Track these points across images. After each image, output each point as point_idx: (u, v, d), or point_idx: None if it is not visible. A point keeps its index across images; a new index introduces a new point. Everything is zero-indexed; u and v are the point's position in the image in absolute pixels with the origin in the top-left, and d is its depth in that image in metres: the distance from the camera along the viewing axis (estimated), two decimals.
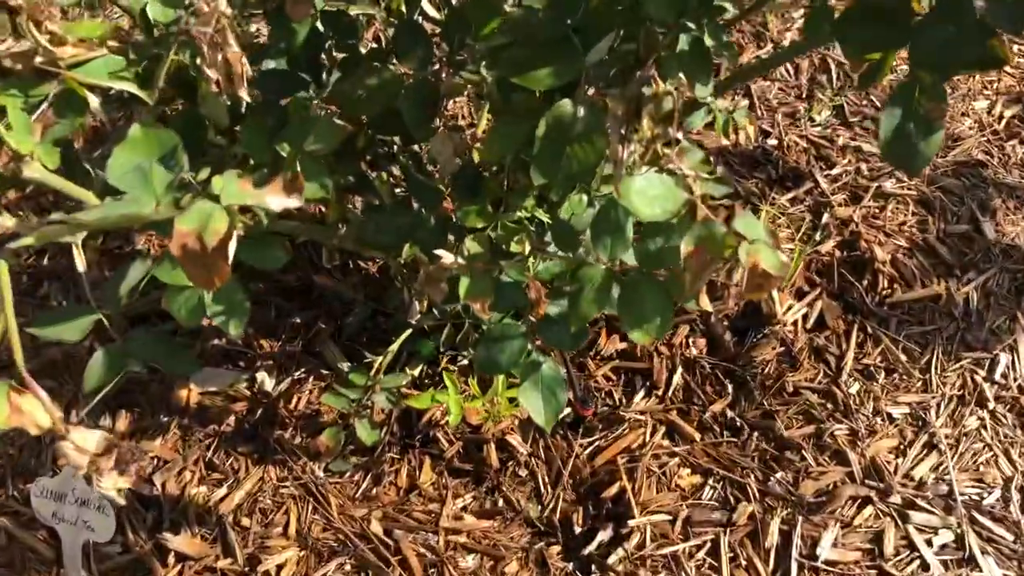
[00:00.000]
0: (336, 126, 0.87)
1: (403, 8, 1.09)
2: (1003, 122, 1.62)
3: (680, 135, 0.74)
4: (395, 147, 1.09)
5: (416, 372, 1.30)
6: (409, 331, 1.22)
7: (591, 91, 0.80)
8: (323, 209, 1.30)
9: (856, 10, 0.77)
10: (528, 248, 0.94)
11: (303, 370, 1.32)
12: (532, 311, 0.88)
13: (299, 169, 0.87)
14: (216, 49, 0.74)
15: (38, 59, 0.71)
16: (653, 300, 0.83)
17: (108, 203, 0.62)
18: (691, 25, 0.81)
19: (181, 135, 0.83)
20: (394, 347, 1.19)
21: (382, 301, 1.36)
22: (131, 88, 0.74)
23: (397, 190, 1.17)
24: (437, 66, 0.90)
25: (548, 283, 0.94)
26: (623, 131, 0.74)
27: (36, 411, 0.62)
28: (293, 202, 0.67)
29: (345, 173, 1.05)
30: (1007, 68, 1.71)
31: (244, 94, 0.77)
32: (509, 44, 0.83)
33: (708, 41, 0.81)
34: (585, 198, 0.98)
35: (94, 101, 0.72)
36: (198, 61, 0.77)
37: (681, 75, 0.82)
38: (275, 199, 0.66)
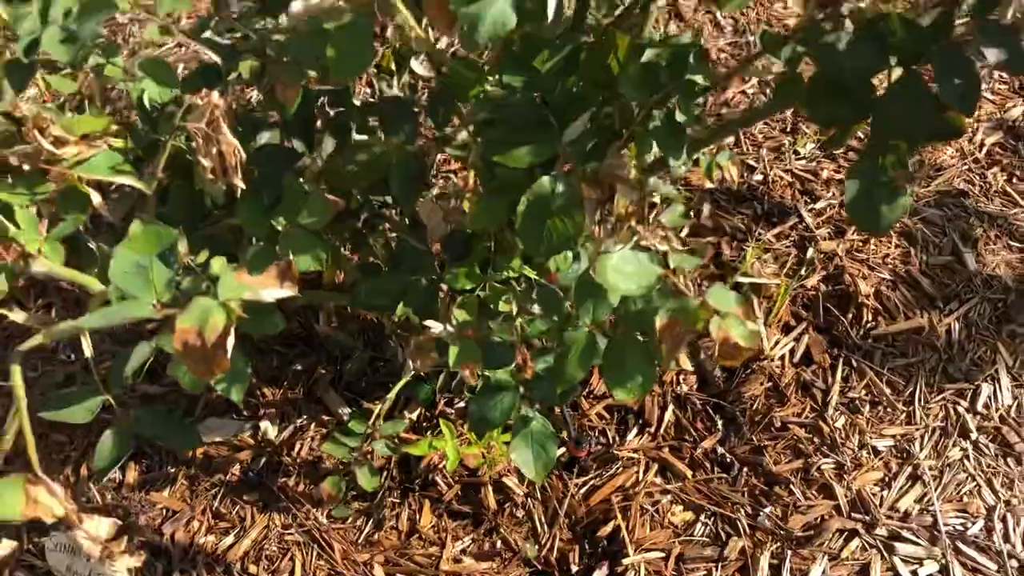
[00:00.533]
0: (328, 202, 0.91)
1: (392, 66, 1.14)
2: (984, 150, 1.66)
3: (655, 217, 0.78)
4: (387, 205, 1.13)
5: (414, 416, 1.34)
6: (406, 379, 1.26)
7: (568, 166, 0.84)
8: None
9: (820, 87, 0.80)
10: (515, 308, 0.98)
11: (304, 417, 1.36)
12: (520, 372, 0.93)
13: (292, 241, 0.91)
14: (210, 141, 0.78)
15: (43, 160, 0.75)
16: (635, 361, 0.87)
17: (111, 308, 0.66)
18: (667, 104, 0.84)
19: (179, 209, 0.88)
20: (392, 395, 1.23)
21: (380, 348, 1.40)
22: (132, 182, 0.78)
23: (392, 244, 1.21)
24: (423, 140, 0.95)
25: (537, 338, 0.98)
26: (598, 211, 0.79)
27: (51, 502, 0.66)
28: (287, 292, 0.71)
29: (339, 234, 1.09)
30: (987, 95, 1.75)
31: (238, 182, 0.81)
32: (491, 121, 0.87)
33: (680, 117, 0.85)
34: (571, 254, 1.03)
35: (96, 198, 0.76)
36: (195, 148, 0.81)
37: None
38: (270, 292, 0.70)
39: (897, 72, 0.76)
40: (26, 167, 0.76)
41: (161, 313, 0.67)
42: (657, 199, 1.16)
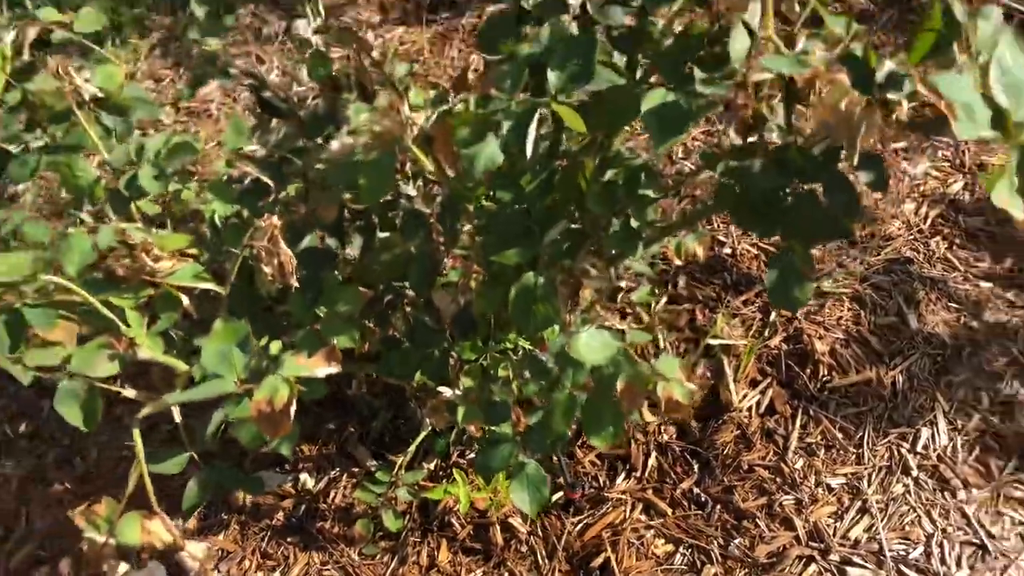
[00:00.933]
0: (359, 293, 1.14)
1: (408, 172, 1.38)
2: (928, 222, 1.89)
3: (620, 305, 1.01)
4: (406, 291, 1.36)
5: (431, 466, 1.56)
6: (424, 434, 1.48)
7: (547, 261, 1.07)
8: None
9: (742, 200, 1.04)
10: (511, 373, 1.21)
11: (337, 469, 1.58)
12: (516, 426, 1.15)
13: (332, 326, 1.14)
14: (272, 254, 1.02)
15: (145, 273, 0.99)
16: (608, 415, 1.09)
17: (205, 385, 0.89)
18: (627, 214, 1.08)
19: (242, 303, 1.12)
20: (412, 448, 1.46)
21: (401, 408, 1.62)
22: (211, 287, 1.02)
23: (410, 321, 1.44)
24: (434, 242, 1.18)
25: (530, 398, 1.20)
26: (569, 301, 1.01)
27: (161, 532, 0.88)
28: (333, 370, 0.95)
29: (367, 316, 1.32)
30: (932, 171, 1.98)
31: (293, 281, 1.05)
32: (487, 228, 1.11)
33: (635, 223, 1.08)
34: (558, 328, 1.25)
35: (184, 300, 1.00)
36: (258, 258, 1.05)
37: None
38: (321, 370, 0.93)
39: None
40: (131, 279, 1.00)
41: (241, 388, 0.90)
42: (634, 273, 1.40)
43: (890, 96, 0.88)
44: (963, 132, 0.75)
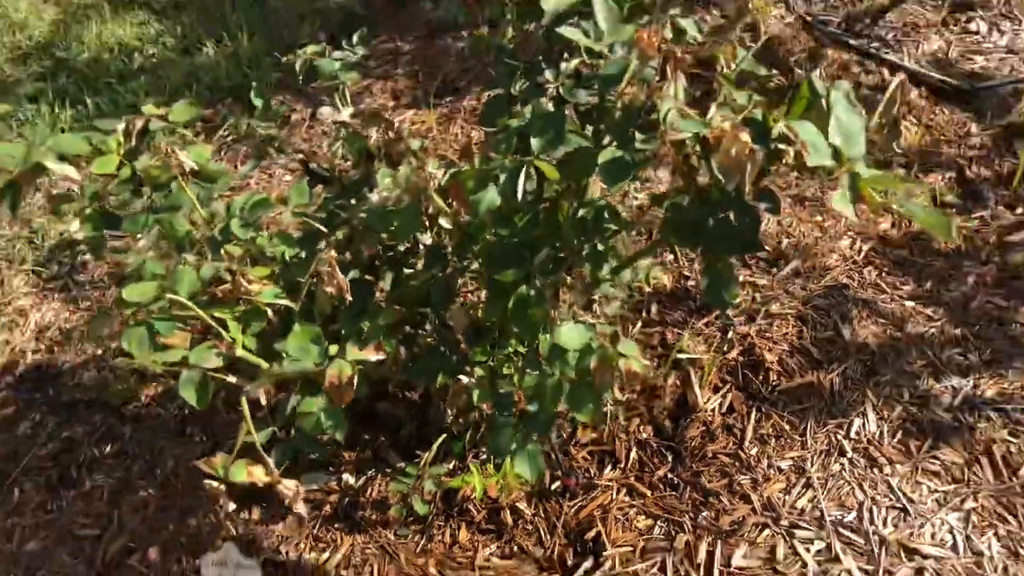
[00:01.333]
0: (395, 311, 1.50)
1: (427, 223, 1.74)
2: (862, 255, 2.25)
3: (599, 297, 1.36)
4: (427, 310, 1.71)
5: (451, 466, 1.89)
6: (443, 436, 1.82)
7: (538, 279, 1.43)
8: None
9: (678, 229, 1.39)
10: (513, 370, 1.55)
11: (373, 470, 1.90)
12: (518, 410, 1.49)
13: (375, 334, 1.49)
14: (331, 277, 1.38)
15: (240, 293, 1.34)
16: (587, 394, 1.43)
17: (291, 364, 1.24)
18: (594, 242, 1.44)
19: (306, 316, 1.47)
20: (434, 447, 1.79)
21: (424, 418, 1.96)
22: (286, 303, 1.37)
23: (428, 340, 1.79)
24: (450, 269, 1.54)
25: (527, 388, 1.54)
26: (554, 303, 1.36)
27: (260, 474, 1.22)
28: (380, 355, 1.29)
29: (399, 333, 1.67)
30: (865, 207, 2.34)
31: (348, 296, 1.40)
32: (490, 255, 1.47)
33: (600, 247, 1.44)
34: (549, 336, 1.60)
35: (269, 312, 1.35)
36: (320, 281, 1.40)
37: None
38: (372, 355, 1.28)
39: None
40: (229, 297, 1.35)
41: (317, 369, 1.25)
42: (609, 296, 1.76)
43: (780, 147, 1.25)
44: (812, 161, 1.11)
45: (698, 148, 1.31)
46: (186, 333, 1.34)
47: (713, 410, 1.94)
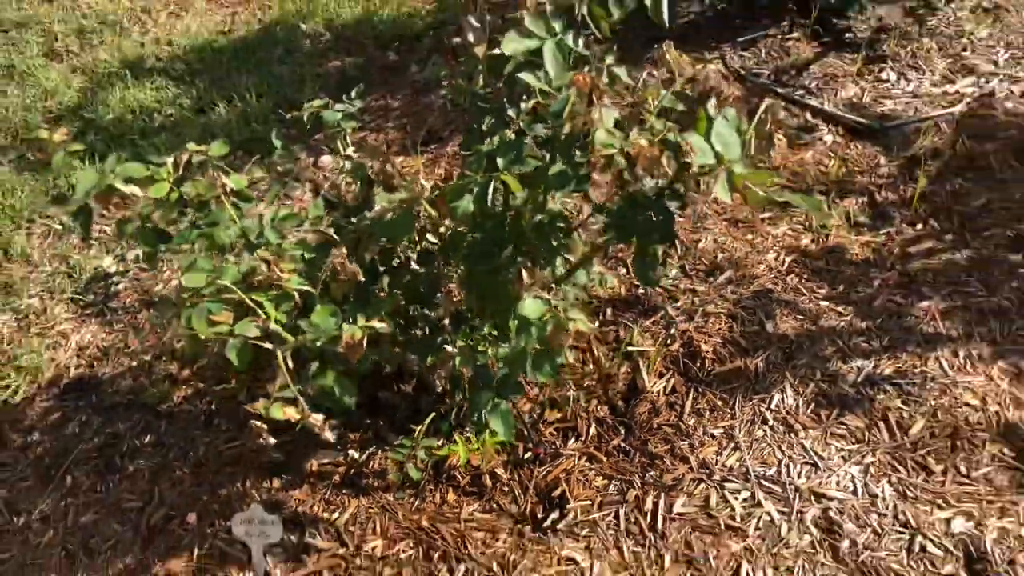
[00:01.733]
0: (393, 298, 1.88)
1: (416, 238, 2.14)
2: (785, 265, 2.65)
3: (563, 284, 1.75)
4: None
5: (440, 442, 2.25)
6: (433, 415, 2.18)
7: (505, 268, 1.82)
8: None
9: (616, 226, 1.79)
10: (488, 346, 1.93)
11: (374, 447, 2.26)
12: (491, 372, 1.86)
13: (377, 309, 1.87)
14: (344, 268, 1.76)
15: (273, 281, 1.73)
16: (546, 359, 1.81)
17: (315, 331, 1.62)
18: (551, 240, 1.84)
19: (322, 299, 1.85)
20: (426, 423, 2.15)
21: (417, 405, 2.32)
22: (308, 288, 1.75)
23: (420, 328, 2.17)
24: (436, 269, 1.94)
25: (502, 359, 1.92)
26: (518, 286, 1.76)
27: (293, 412, 1.59)
28: (384, 326, 1.68)
29: (397, 318, 2.05)
30: (789, 232, 2.76)
31: (360, 276, 1.79)
32: (469, 254, 1.86)
33: (555, 243, 1.84)
34: (516, 323, 1.98)
35: (296, 296, 1.73)
36: (336, 273, 1.79)
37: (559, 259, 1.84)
38: (377, 324, 1.66)
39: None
40: (260, 283, 1.74)
41: (336, 332, 1.62)
42: (570, 289, 2.12)
43: (687, 160, 1.65)
44: (699, 160, 1.52)
45: (623, 161, 1.72)
46: (230, 312, 1.71)
47: (658, 392, 2.32)
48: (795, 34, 3.50)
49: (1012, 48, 3.41)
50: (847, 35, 3.51)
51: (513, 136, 1.88)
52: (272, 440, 1.65)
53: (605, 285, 2.35)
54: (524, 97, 1.96)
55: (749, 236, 2.78)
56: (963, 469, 2.09)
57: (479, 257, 1.84)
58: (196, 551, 2.09)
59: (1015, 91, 3.20)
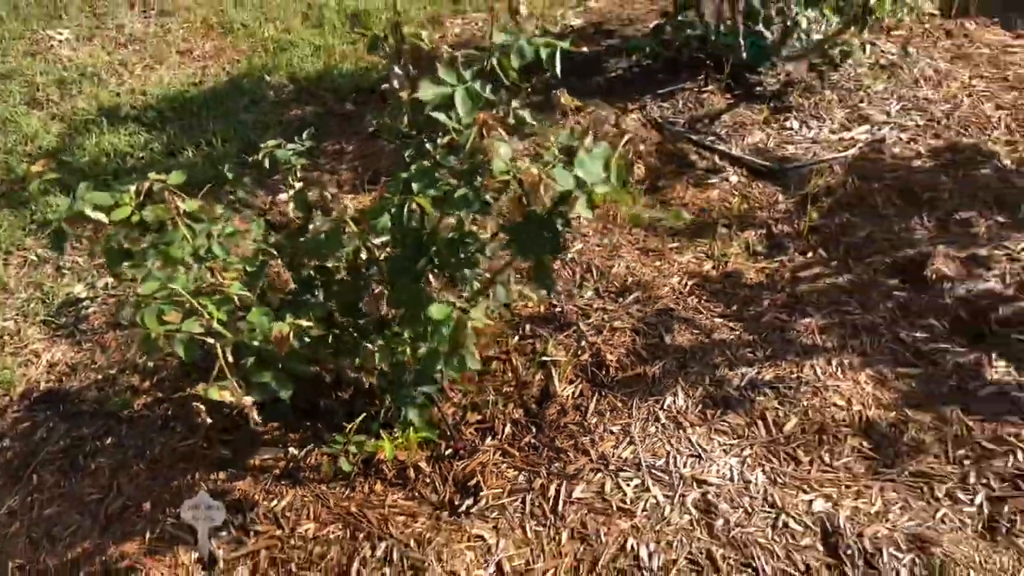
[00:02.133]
0: (324, 305, 2.17)
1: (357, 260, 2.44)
2: (687, 288, 2.97)
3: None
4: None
5: (372, 441, 2.52)
6: (364, 416, 2.46)
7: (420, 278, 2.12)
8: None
9: (514, 243, 2.10)
10: (408, 348, 2.23)
11: (312, 445, 2.53)
12: (410, 371, 2.15)
13: (305, 315, 2.16)
14: (278, 277, 2.06)
15: (217, 287, 2.02)
16: (454, 356, 2.11)
17: (252, 329, 1.91)
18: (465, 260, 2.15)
19: (261, 304, 2.15)
20: (356, 421, 2.43)
21: (352, 409, 2.59)
22: (247, 294, 2.05)
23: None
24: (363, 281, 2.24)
25: (418, 358, 2.21)
26: (429, 294, 2.06)
27: (228, 395, 1.87)
28: (310, 324, 1.97)
29: (329, 324, 2.34)
30: (692, 259, 3.09)
31: (291, 284, 2.08)
32: (392, 268, 2.16)
33: (464, 257, 2.14)
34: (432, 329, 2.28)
35: (236, 300, 2.03)
36: (272, 283, 2.09)
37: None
38: (305, 323, 1.96)
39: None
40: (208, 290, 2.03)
41: (268, 328, 1.92)
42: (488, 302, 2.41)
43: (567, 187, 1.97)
44: (560, 186, 1.84)
45: (518, 187, 2.04)
46: (178, 313, 2.00)
47: (567, 396, 2.62)
48: (710, 87, 3.89)
49: (903, 100, 3.81)
50: (757, 88, 3.90)
51: (430, 165, 2.20)
52: (208, 420, 1.93)
53: (524, 302, 2.66)
54: (440, 134, 2.29)
55: (657, 263, 3.11)
56: (827, 459, 2.39)
57: (399, 270, 2.15)
58: (148, 535, 2.34)
59: (903, 138, 3.58)
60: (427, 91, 2.13)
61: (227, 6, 5.32)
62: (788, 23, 3.69)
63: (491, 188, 2.02)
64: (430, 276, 2.13)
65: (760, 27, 3.88)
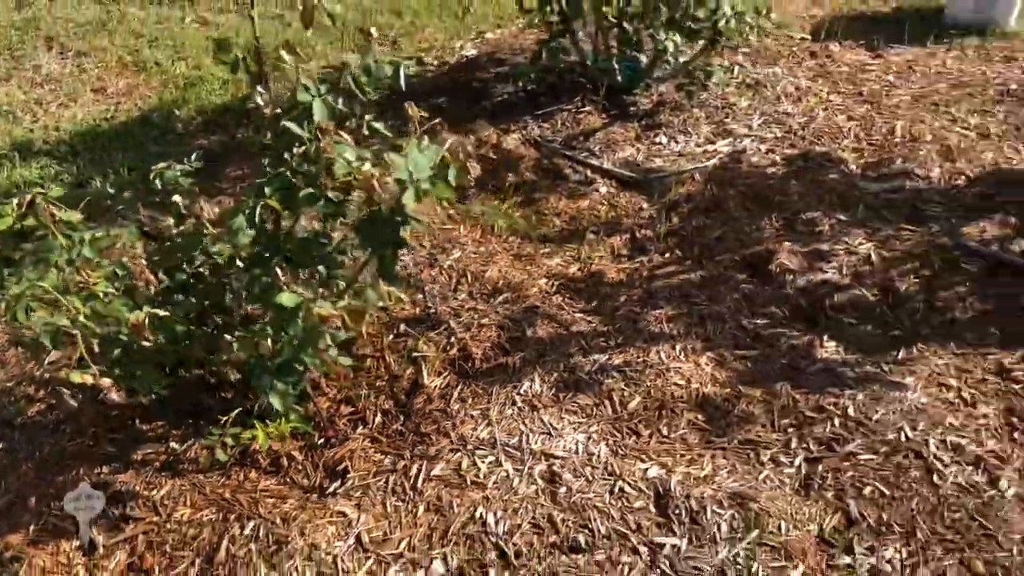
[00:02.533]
0: (191, 303, 2.37)
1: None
2: (553, 288, 3.21)
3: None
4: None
5: (248, 434, 2.70)
6: (238, 411, 2.64)
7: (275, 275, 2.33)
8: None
9: (359, 237, 2.32)
10: (268, 339, 2.42)
11: (192, 440, 2.70)
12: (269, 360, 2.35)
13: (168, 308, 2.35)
14: (143, 275, 2.25)
15: (84, 287, 2.21)
16: (308, 345, 2.31)
17: (111, 322, 2.10)
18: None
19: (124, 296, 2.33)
20: (232, 415, 2.61)
21: (233, 406, 2.77)
22: (112, 290, 2.23)
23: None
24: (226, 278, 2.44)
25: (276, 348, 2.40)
26: (279, 287, 2.26)
27: (88, 376, 2.04)
28: (166, 314, 2.17)
29: (199, 323, 2.53)
30: (559, 262, 3.33)
31: (155, 281, 2.27)
32: (248, 262, 2.37)
33: (315, 254, 2.35)
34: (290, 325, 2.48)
35: (101, 296, 2.21)
36: (135, 281, 2.27)
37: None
38: (162, 312, 2.15)
39: None
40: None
41: (128, 318, 2.10)
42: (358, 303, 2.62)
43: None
44: (396, 175, 2.07)
45: (359, 186, 2.26)
46: (48, 308, 2.18)
47: (435, 387, 2.82)
48: (588, 108, 4.18)
49: (765, 115, 4.13)
50: (632, 108, 4.19)
51: (284, 171, 2.41)
52: (73, 403, 2.10)
53: (401, 305, 2.87)
54: (298, 144, 2.51)
55: (529, 267, 3.35)
56: (665, 432, 2.63)
57: (255, 265, 2.35)
58: (32, 527, 2.49)
59: (762, 148, 3.89)
60: (301, 96, 2.36)
61: (141, 46, 5.53)
62: (658, 48, 3.99)
63: (336, 188, 2.25)
64: (278, 271, 2.34)
65: (635, 52, 4.19)
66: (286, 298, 2.24)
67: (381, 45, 5.12)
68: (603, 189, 3.71)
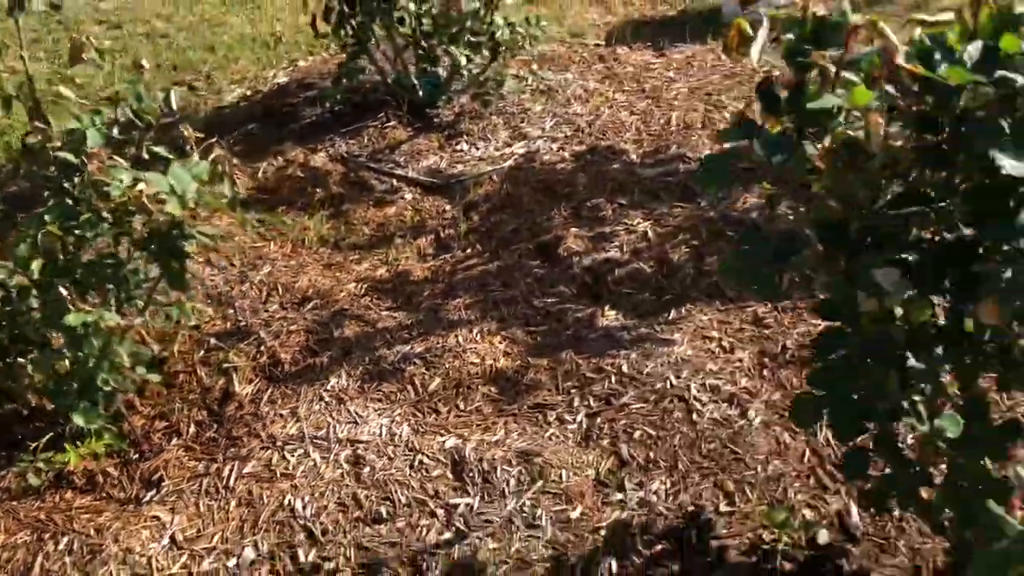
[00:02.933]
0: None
1: None
2: (362, 291, 3.41)
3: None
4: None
5: (64, 457, 2.77)
6: (51, 435, 2.72)
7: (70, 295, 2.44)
8: None
9: (149, 252, 2.46)
10: (68, 360, 2.52)
11: (5, 470, 2.75)
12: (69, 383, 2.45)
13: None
14: None
15: None
16: (108, 361, 2.43)
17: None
18: None
19: None
20: (43, 440, 2.68)
21: (41, 432, 2.84)
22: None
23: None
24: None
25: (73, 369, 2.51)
26: (75, 307, 2.38)
27: None
28: None
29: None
30: (368, 266, 3.53)
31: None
32: (41, 288, 2.47)
33: (103, 275, 2.48)
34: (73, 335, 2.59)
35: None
36: None
37: None
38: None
39: None
40: None
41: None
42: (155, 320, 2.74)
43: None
44: (153, 189, 2.23)
45: (135, 206, 2.39)
46: None
47: (246, 393, 2.97)
48: (392, 123, 4.42)
49: (557, 116, 4.46)
50: (436, 120, 4.46)
51: (65, 200, 2.53)
52: None
53: (212, 321, 3.02)
54: (76, 172, 2.63)
55: (338, 274, 3.54)
56: (462, 406, 2.86)
57: (45, 290, 2.46)
58: None
59: (553, 147, 4.22)
60: (65, 134, 2.48)
61: None
62: (454, 63, 4.27)
63: (116, 209, 2.39)
64: (65, 293, 2.45)
65: (434, 68, 4.46)
66: (72, 318, 2.36)
67: (196, 80, 5.21)
68: (408, 196, 3.94)
